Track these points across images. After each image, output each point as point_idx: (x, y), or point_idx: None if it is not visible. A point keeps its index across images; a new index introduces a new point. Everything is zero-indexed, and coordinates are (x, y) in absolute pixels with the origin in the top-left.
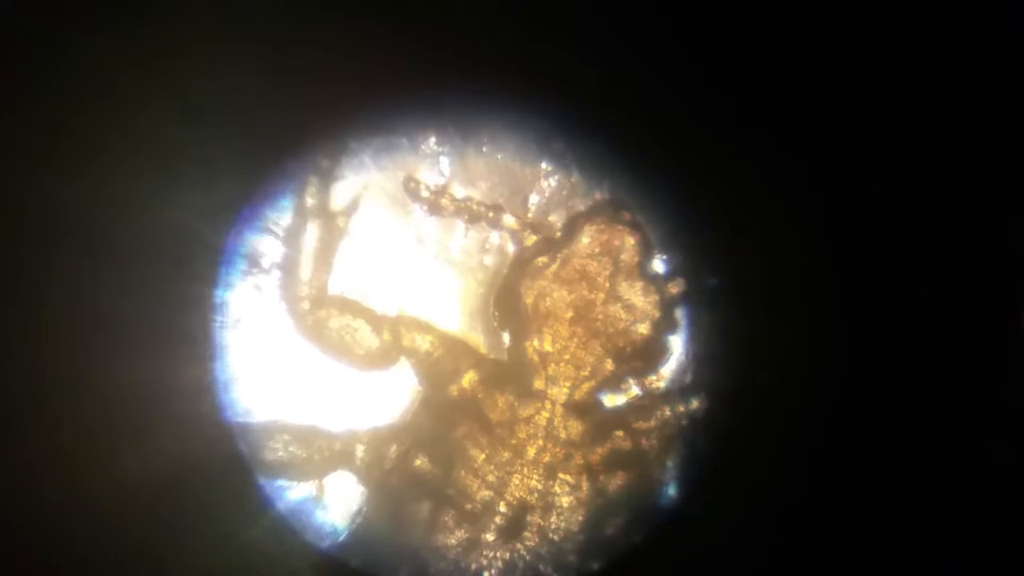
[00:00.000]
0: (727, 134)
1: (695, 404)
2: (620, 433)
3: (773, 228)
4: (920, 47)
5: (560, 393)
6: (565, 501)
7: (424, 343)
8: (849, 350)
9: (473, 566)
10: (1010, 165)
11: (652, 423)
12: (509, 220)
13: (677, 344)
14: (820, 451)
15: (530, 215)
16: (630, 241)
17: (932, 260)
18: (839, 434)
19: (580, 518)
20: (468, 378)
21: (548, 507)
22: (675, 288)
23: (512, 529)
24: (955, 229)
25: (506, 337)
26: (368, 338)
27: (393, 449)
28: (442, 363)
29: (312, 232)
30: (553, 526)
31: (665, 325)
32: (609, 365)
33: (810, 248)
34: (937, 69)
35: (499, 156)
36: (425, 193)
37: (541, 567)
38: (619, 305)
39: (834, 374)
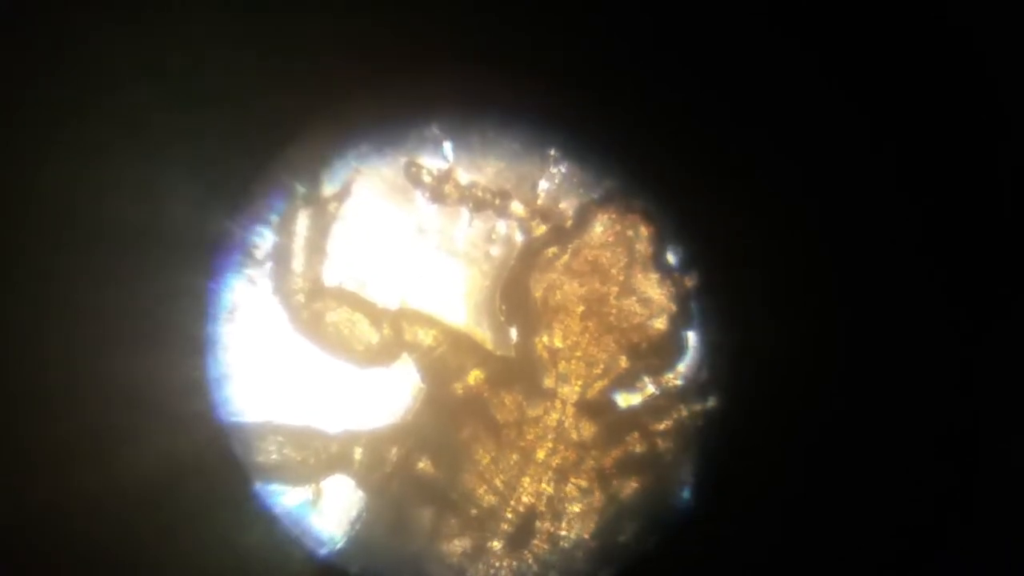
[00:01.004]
0: (742, 126)
1: (714, 404)
2: (635, 435)
3: (788, 221)
4: (929, 39)
5: (571, 392)
6: (576, 507)
7: (427, 338)
8: (868, 348)
9: (478, 574)
10: (1019, 161)
11: (669, 424)
12: (517, 208)
13: (694, 340)
14: (839, 452)
15: (539, 202)
16: (645, 231)
17: (944, 258)
18: (858, 435)
19: (592, 525)
20: (473, 376)
21: (558, 513)
22: (692, 281)
23: (520, 536)
24: (964, 227)
25: (514, 333)
26: (368, 332)
27: (394, 451)
28: (446, 359)
29: (309, 223)
30: (563, 533)
31: (682, 320)
32: (623, 362)
33: (823, 242)
34: (945, 63)
35: (505, 142)
36: (427, 179)
37: (550, 574)
38: (633, 299)
39: (850, 370)
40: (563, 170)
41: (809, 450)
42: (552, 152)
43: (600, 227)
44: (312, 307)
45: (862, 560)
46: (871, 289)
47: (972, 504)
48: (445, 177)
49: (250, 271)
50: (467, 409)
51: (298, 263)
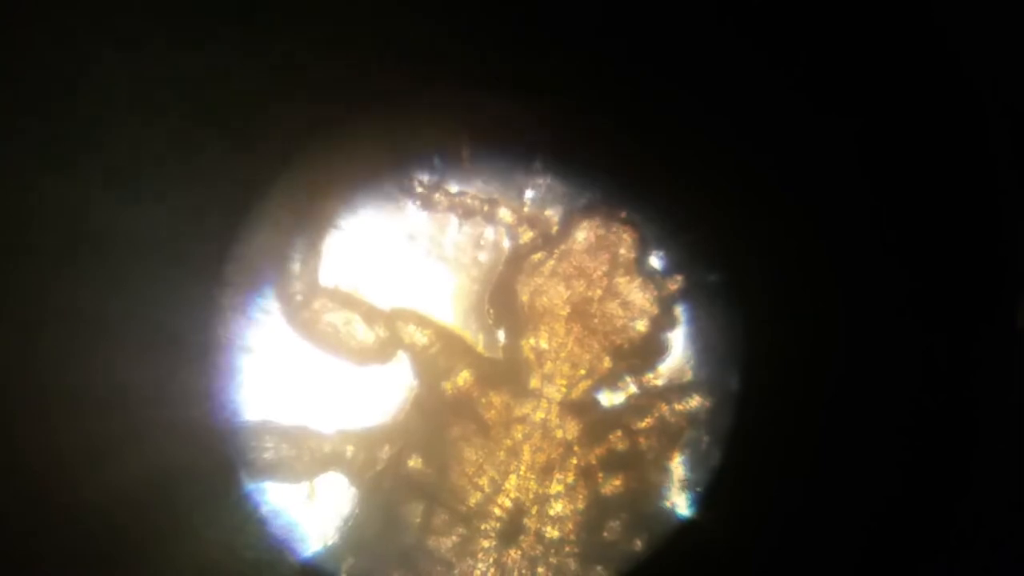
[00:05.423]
0: (725, 132)
1: (694, 403)
2: (618, 433)
3: (773, 224)
4: (919, 43)
5: (556, 392)
6: (562, 503)
7: (423, 337)
8: (850, 347)
9: (467, 570)
10: (1012, 163)
11: (650, 422)
12: (505, 215)
13: (676, 342)
14: (822, 450)
15: (526, 210)
16: (628, 237)
17: (932, 258)
18: (840, 433)
19: (578, 521)
20: (463, 377)
21: (544, 509)
22: (674, 285)
23: (508, 532)
24: (955, 228)
25: (501, 335)
26: (364, 332)
27: (385, 450)
28: (438, 359)
29: (306, 228)
30: (550, 529)
31: (663, 322)
32: (607, 363)
33: (810, 244)
34: (936, 66)
35: (495, 152)
36: (419, 188)
37: (538, 571)
38: (617, 302)
39: (835, 372)
40: (549, 179)
41: (803, 448)
42: (539, 161)
43: (585, 233)
44: (311, 307)
45: (866, 562)
46: (853, 293)
47: (973, 505)
48: (436, 186)
49: (248, 276)
50: (456, 409)
51: (297, 267)
